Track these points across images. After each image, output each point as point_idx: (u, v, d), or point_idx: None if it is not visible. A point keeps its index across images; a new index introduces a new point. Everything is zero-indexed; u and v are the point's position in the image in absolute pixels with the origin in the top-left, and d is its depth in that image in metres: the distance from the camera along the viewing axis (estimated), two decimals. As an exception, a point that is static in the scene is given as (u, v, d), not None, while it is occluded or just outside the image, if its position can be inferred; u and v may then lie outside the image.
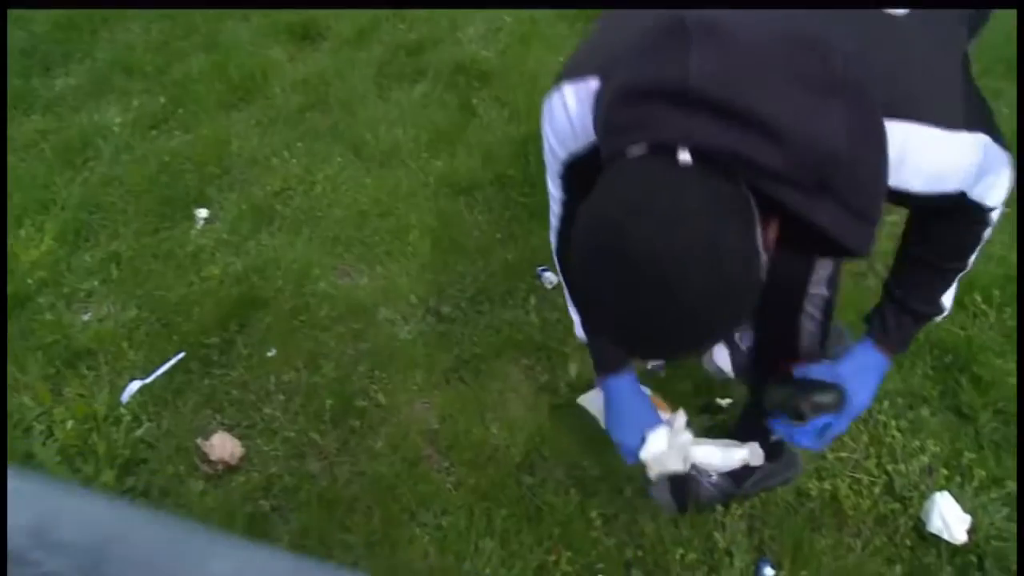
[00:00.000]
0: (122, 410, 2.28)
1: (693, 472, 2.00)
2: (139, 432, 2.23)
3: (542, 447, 2.16)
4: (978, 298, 2.45)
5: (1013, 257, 2.63)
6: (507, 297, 2.59)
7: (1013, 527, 1.96)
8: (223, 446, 2.16)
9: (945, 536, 1.94)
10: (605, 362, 1.71)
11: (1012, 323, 2.40)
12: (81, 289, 2.68)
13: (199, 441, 2.18)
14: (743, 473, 2.00)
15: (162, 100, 3.55)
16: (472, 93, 3.54)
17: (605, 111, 1.08)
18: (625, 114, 1.03)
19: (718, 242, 0.96)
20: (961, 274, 1.51)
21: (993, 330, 2.40)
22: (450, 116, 3.41)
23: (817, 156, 0.97)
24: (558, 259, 1.68)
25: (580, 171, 1.35)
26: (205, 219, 2.96)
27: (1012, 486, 2.03)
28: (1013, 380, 2.25)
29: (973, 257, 1.48)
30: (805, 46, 1.01)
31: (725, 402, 2.26)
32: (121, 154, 3.25)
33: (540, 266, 2.65)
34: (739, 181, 0.98)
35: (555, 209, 1.56)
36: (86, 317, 2.58)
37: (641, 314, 1.00)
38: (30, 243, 2.82)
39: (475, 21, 4.06)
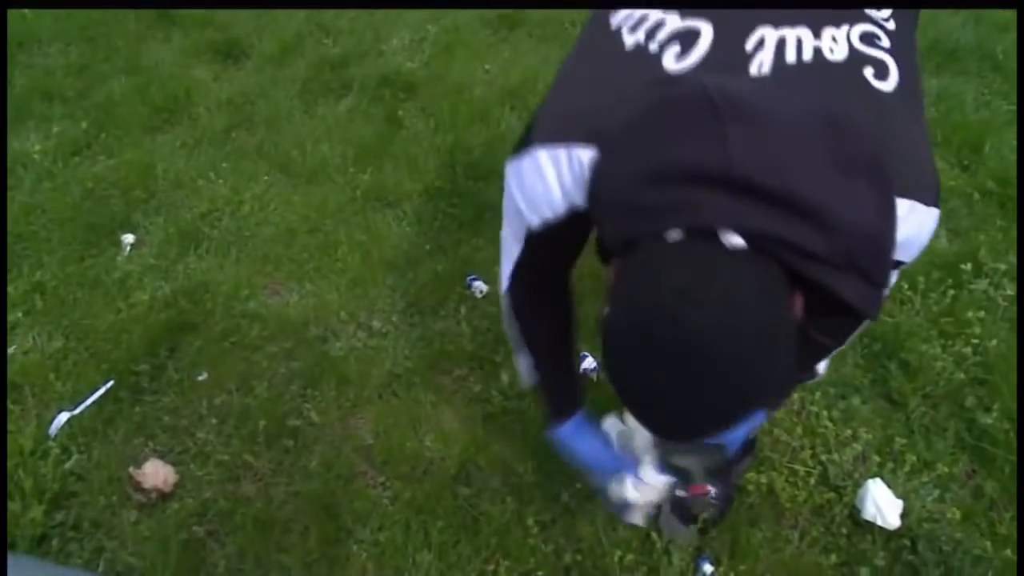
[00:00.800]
0: (50, 443, 2.23)
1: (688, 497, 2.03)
2: (68, 464, 2.19)
3: (477, 457, 2.16)
4: (904, 285, 2.50)
5: (937, 245, 2.69)
6: (438, 308, 2.58)
7: (944, 508, 2.01)
8: (156, 473, 2.13)
9: (879, 522, 1.97)
10: (559, 411, 1.71)
11: (937, 308, 2.45)
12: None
13: (131, 470, 2.13)
14: (727, 476, 2.03)
15: (84, 125, 3.49)
16: (398, 105, 3.54)
17: (629, 191, 1.05)
18: (661, 196, 1.01)
19: (770, 327, 0.97)
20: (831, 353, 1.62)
21: (919, 316, 2.45)
22: (376, 129, 3.40)
23: (855, 239, 0.98)
24: (510, 304, 1.59)
25: (549, 236, 1.32)
26: (132, 245, 2.91)
27: (942, 468, 2.08)
28: (939, 364, 2.30)
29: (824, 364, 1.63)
30: (834, 126, 1.01)
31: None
32: (42, 182, 3.18)
33: (470, 275, 2.65)
34: (776, 260, 0.98)
35: (515, 255, 1.47)
36: (10, 350, 2.52)
37: (695, 401, 0.98)
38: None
39: (399, 32, 4.07)
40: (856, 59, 1.18)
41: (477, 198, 2.98)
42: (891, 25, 1.28)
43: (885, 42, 1.23)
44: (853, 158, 1.00)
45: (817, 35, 1.19)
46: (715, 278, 0.96)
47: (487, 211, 2.91)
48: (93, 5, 4.26)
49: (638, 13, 1.27)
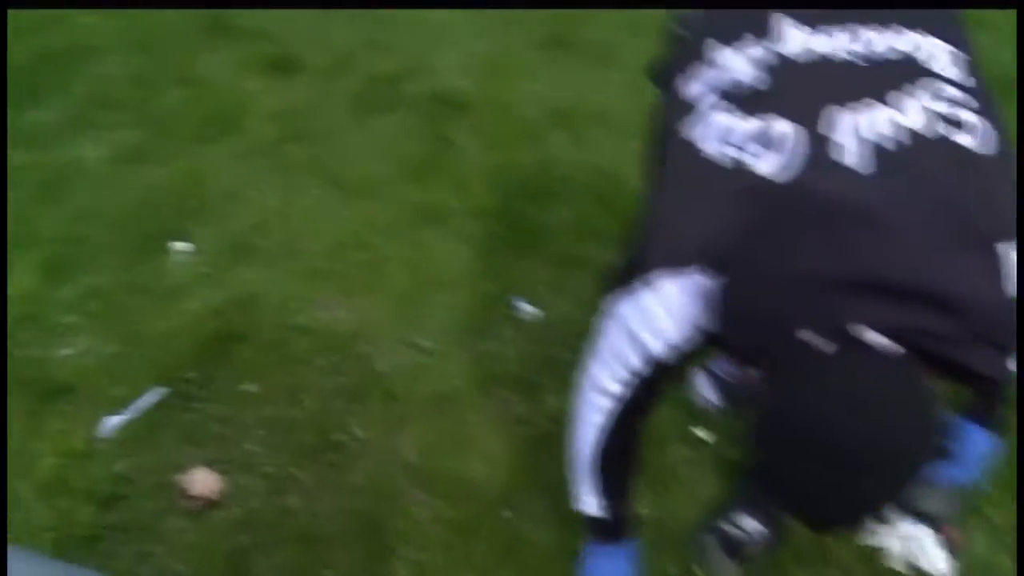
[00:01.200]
0: (101, 446, 2.27)
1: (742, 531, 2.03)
2: (118, 468, 2.22)
3: (521, 480, 2.17)
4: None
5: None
6: (485, 329, 2.60)
7: (1000, 559, 1.99)
8: (203, 481, 2.16)
9: (926, 567, 1.93)
10: (612, 535, 1.73)
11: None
12: (60, 324, 2.65)
13: (179, 476, 2.17)
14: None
15: (138, 133, 3.54)
16: (448, 123, 3.57)
17: (762, 303, 1.11)
18: (797, 305, 1.07)
19: (926, 423, 1.04)
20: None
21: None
22: (426, 146, 3.43)
23: (980, 315, 1.03)
24: (595, 467, 1.57)
25: (669, 366, 1.35)
26: (183, 253, 2.95)
27: (997, 518, 2.06)
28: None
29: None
30: (935, 204, 1.07)
31: (704, 434, 2.27)
32: (97, 188, 3.23)
33: (517, 297, 2.68)
34: (913, 349, 1.03)
35: (603, 405, 1.46)
36: (65, 352, 2.57)
37: (859, 498, 1.05)
38: (8, 278, 2.80)
39: (450, 50, 4.09)
40: (931, 120, 1.20)
41: (525, 218, 3.00)
42: (953, 73, 1.30)
43: (951, 91, 1.25)
44: (960, 232, 1.05)
45: (886, 103, 1.21)
46: (872, 383, 1.02)
47: (535, 232, 2.93)
48: (96, 6, 4.30)
49: (702, 122, 1.32)
